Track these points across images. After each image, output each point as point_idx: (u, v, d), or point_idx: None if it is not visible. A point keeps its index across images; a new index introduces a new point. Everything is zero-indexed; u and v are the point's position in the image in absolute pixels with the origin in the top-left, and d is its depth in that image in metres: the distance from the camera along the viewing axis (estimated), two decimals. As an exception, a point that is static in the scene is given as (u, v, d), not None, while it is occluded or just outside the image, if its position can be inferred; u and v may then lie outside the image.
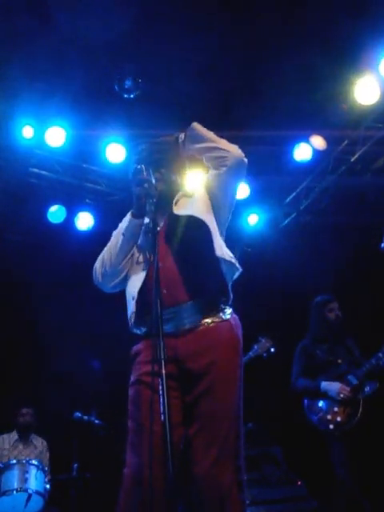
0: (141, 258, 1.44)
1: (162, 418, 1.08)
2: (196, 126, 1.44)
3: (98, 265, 1.46)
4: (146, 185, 1.37)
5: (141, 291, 1.38)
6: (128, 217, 1.43)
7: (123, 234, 1.41)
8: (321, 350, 2.78)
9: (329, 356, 2.75)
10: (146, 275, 1.40)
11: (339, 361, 2.72)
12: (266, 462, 3.23)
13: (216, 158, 1.41)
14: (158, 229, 1.37)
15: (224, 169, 1.41)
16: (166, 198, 1.45)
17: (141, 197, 1.37)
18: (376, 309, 3.30)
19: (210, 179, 1.47)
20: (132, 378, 1.40)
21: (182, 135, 1.45)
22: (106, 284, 1.46)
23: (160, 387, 1.10)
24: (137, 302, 1.38)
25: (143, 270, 1.41)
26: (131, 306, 1.40)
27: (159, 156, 1.47)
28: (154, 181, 1.37)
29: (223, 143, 1.43)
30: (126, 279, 1.45)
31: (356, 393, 2.59)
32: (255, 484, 3.04)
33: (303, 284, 3.61)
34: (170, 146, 1.47)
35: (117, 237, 1.44)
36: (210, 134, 1.44)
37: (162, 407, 1.08)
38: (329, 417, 2.59)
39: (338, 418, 2.56)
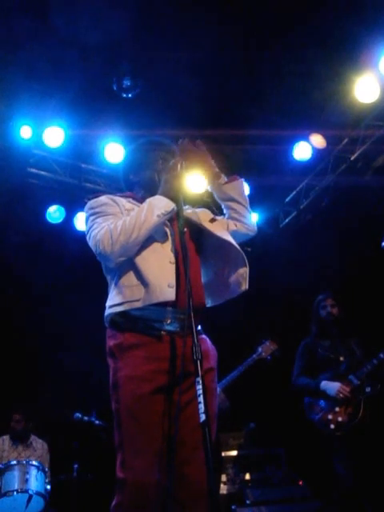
0: (159, 247, 1.42)
1: (204, 417, 1.07)
2: (243, 183, 1.63)
3: (115, 234, 1.35)
4: (182, 182, 1.42)
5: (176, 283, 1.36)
6: (167, 202, 1.39)
7: (158, 216, 1.36)
8: (322, 348, 2.75)
9: (330, 353, 2.73)
10: (176, 269, 1.38)
11: (341, 358, 2.69)
12: (268, 462, 3.22)
13: (241, 217, 1.60)
14: (185, 230, 1.37)
15: (242, 229, 1.61)
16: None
17: (175, 190, 1.40)
18: (377, 308, 3.29)
19: (229, 225, 1.61)
20: (128, 373, 1.32)
21: (223, 177, 1.60)
22: (119, 256, 1.36)
23: (198, 386, 1.10)
24: (175, 293, 1.34)
25: (170, 262, 1.39)
26: (166, 294, 1.34)
27: (192, 167, 1.50)
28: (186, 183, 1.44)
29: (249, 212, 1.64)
30: (130, 259, 1.39)
31: (357, 393, 2.57)
32: (258, 484, 3.04)
33: (304, 283, 3.60)
34: (208, 174, 1.56)
35: (147, 215, 1.37)
36: (246, 198, 1.63)
37: (202, 407, 1.08)
38: (330, 417, 2.57)
39: (339, 418, 2.54)
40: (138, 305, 1.35)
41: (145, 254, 1.39)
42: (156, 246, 1.41)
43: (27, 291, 3.72)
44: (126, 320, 1.38)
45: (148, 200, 1.41)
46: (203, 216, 1.55)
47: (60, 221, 3.82)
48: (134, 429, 1.28)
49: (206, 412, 1.08)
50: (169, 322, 1.35)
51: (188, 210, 1.54)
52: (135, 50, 3.01)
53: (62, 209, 3.81)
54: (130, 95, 3.22)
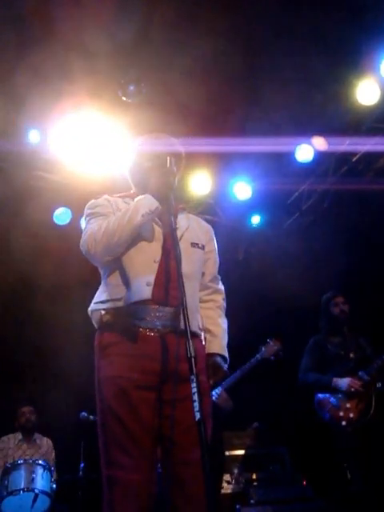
0: (146, 246, 1.40)
1: (199, 415, 1.06)
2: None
3: (98, 235, 1.36)
4: (171, 178, 1.41)
5: (156, 281, 1.35)
6: (152, 201, 1.37)
7: (142, 216, 1.35)
8: (332, 344, 2.74)
9: (340, 350, 2.70)
10: (159, 266, 1.38)
11: (351, 355, 2.67)
12: (271, 461, 3.22)
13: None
14: (176, 227, 1.37)
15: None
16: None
17: (163, 187, 1.39)
18: (379, 309, 3.30)
19: (208, 265, 1.55)
20: (109, 372, 1.33)
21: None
22: (103, 256, 1.38)
23: (194, 385, 1.09)
24: (153, 291, 1.34)
25: (155, 262, 1.38)
26: (143, 292, 1.33)
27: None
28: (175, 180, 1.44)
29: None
30: (118, 259, 1.39)
31: (368, 389, 2.53)
32: (261, 484, 3.03)
33: (306, 284, 3.61)
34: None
35: (132, 215, 1.35)
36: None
37: (197, 405, 1.07)
38: (341, 413, 2.52)
39: (351, 415, 2.49)
40: (120, 304, 1.36)
41: (131, 253, 1.39)
42: (143, 245, 1.40)
43: (33, 292, 3.76)
44: (108, 318, 1.38)
45: (135, 199, 1.41)
46: (192, 234, 1.49)
47: (66, 223, 3.87)
48: (118, 427, 1.28)
49: (200, 410, 1.06)
50: (149, 319, 1.34)
51: (182, 222, 1.48)
52: (139, 56, 3.06)
53: (69, 211, 3.86)
54: (135, 100, 3.28)
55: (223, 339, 1.50)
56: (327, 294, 2.92)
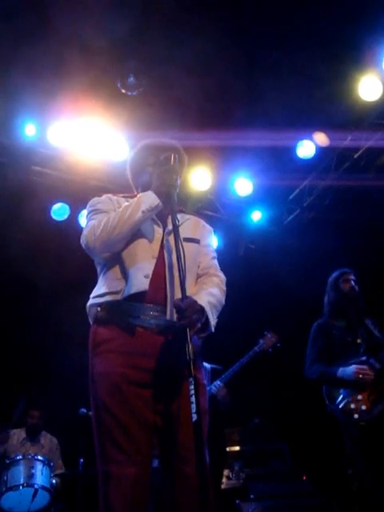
0: (145, 243, 1.41)
1: (196, 417, 1.05)
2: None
3: (98, 230, 1.37)
4: (174, 176, 1.41)
5: (153, 275, 1.36)
6: (154, 198, 1.39)
7: (143, 212, 1.37)
8: (338, 329, 2.52)
9: (347, 335, 2.49)
10: (157, 262, 1.39)
11: (359, 340, 2.47)
12: (272, 457, 3.24)
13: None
14: (178, 223, 1.36)
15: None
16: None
17: (167, 185, 1.39)
18: (379, 308, 3.30)
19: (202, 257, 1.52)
20: (102, 368, 1.32)
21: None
22: (102, 251, 1.40)
23: (191, 386, 1.08)
24: (150, 283, 1.34)
25: (153, 257, 1.40)
26: (141, 283, 1.34)
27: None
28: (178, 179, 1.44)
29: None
30: (117, 254, 1.41)
31: (380, 378, 2.36)
32: (261, 479, 3.05)
33: (306, 280, 3.62)
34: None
35: (133, 210, 1.37)
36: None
37: (194, 407, 1.06)
38: (352, 406, 2.34)
39: (363, 407, 2.33)
40: (118, 297, 1.36)
41: (131, 248, 1.40)
42: (142, 241, 1.41)
43: (31, 288, 3.74)
44: (103, 314, 1.39)
45: (138, 196, 1.43)
46: (185, 230, 1.49)
47: (64, 218, 3.84)
48: (111, 422, 1.28)
49: (197, 412, 1.06)
50: (144, 317, 1.34)
51: (177, 218, 1.46)
52: (138, 51, 3.03)
53: (66, 206, 3.83)
54: (134, 93, 3.25)
55: (207, 296, 1.38)
56: (336, 272, 2.65)
